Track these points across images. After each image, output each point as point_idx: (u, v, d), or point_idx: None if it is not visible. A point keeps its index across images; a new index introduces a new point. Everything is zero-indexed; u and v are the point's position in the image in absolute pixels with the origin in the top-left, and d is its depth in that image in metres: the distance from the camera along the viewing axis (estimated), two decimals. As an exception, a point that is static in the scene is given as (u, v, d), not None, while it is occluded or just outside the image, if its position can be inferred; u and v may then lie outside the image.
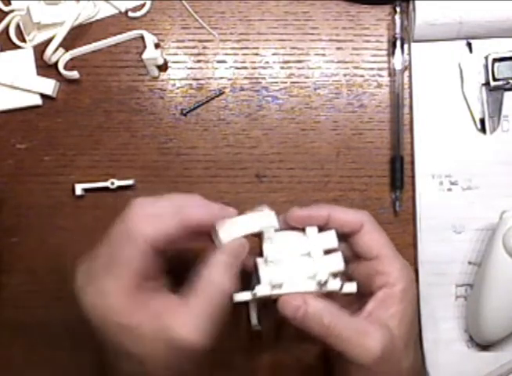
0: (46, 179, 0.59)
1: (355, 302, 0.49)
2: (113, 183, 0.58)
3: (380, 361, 0.44)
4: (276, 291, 0.44)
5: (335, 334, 0.43)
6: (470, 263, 0.58)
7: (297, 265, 0.46)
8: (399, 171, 0.58)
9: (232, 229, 0.45)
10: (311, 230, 0.47)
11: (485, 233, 0.57)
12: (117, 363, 0.43)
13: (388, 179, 0.59)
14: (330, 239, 0.47)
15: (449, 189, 0.58)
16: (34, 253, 0.59)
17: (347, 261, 0.48)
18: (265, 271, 0.45)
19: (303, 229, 0.47)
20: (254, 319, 0.50)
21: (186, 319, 0.40)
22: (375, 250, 0.47)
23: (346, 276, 0.48)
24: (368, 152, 0.59)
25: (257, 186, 0.59)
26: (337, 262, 0.46)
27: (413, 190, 0.58)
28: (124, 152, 0.59)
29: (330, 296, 0.46)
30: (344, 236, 0.48)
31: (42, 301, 0.59)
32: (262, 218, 0.46)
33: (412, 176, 0.58)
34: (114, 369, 0.43)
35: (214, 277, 0.42)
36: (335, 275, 0.46)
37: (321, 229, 0.48)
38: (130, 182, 0.58)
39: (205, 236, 0.45)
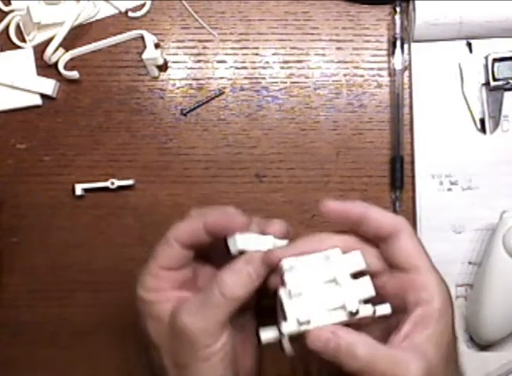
0: (46, 179, 0.59)
1: (387, 318, 0.44)
2: (113, 183, 0.58)
3: None
4: (304, 327, 0.41)
5: (370, 367, 0.40)
6: (470, 263, 0.58)
7: (324, 294, 0.42)
8: (399, 171, 0.58)
9: (249, 241, 0.44)
10: (334, 252, 0.43)
11: (485, 233, 0.57)
12: (150, 358, 0.46)
13: (388, 179, 0.59)
14: (357, 260, 0.43)
15: (449, 189, 0.58)
16: (34, 253, 0.59)
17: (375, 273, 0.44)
18: (290, 306, 0.41)
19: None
20: (287, 347, 0.44)
21: (189, 306, 0.43)
22: (411, 260, 0.43)
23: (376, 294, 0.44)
24: (368, 152, 0.59)
25: (257, 186, 0.59)
26: (366, 288, 0.42)
27: (413, 190, 0.58)
28: (124, 152, 0.59)
29: (361, 320, 0.43)
30: (375, 243, 0.44)
31: (42, 301, 0.59)
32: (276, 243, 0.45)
33: (412, 176, 0.58)
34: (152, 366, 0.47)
35: (224, 279, 0.43)
36: (366, 300, 0.42)
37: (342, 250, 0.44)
38: (130, 182, 0.58)
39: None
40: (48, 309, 0.59)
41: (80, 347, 0.58)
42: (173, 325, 0.43)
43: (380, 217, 0.43)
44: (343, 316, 0.41)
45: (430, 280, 0.43)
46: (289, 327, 0.41)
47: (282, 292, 0.42)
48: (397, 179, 0.58)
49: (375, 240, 0.44)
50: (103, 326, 0.58)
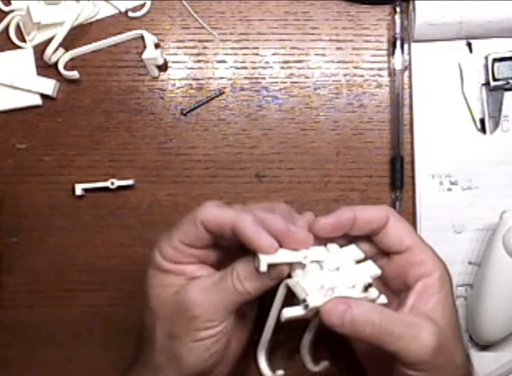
0: (46, 179, 0.59)
1: (392, 301, 0.47)
2: (113, 183, 0.58)
3: (436, 354, 0.42)
4: (328, 298, 0.42)
5: (388, 332, 0.41)
6: (470, 263, 0.58)
7: (334, 277, 0.44)
8: (399, 171, 0.58)
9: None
10: (333, 246, 0.46)
11: (485, 233, 0.57)
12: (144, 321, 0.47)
13: (388, 179, 0.59)
14: (354, 252, 0.46)
15: (449, 189, 0.58)
16: (34, 253, 0.59)
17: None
18: (310, 279, 0.43)
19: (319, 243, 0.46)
20: (307, 359, 0.48)
21: (201, 283, 0.44)
22: (405, 240, 0.46)
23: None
24: (368, 152, 0.59)
25: (257, 186, 0.59)
26: (372, 269, 0.45)
27: (413, 190, 0.58)
28: (124, 152, 0.59)
29: None
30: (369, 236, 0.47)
31: (42, 301, 0.59)
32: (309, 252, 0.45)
33: (412, 176, 0.58)
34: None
35: (240, 272, 0.43)
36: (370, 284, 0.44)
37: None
38: (130, 182, 0.58)
39: None
40: (48, 309, 0.59)
41: (80, 347, 0.58)
42: (179, 297, 0.43)
43: (367, 214, 0.46)
44: (357, 293, 0.43)
45: (425, 255, 0.46)
46: (314, 299, 0.42)
47: (296, 273, 0.44)
48: (397, 179, 0.58)
49: (367, 235, 0.46)
50: (103, 326, 0.58)
